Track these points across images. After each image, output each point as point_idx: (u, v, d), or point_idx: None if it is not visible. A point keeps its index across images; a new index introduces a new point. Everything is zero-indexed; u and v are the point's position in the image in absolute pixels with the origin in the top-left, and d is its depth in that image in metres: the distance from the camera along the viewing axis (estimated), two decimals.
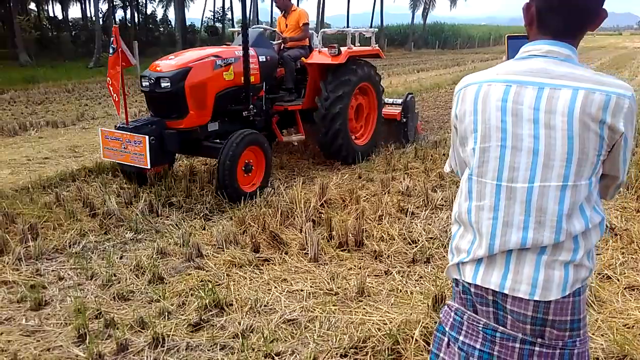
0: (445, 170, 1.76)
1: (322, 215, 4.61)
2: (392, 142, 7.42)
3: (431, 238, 4.26)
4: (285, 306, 3.23)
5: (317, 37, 6.84)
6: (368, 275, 3.62)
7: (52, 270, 3.77)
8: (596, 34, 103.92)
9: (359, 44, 7.10)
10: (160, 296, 3.35)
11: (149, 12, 45.35)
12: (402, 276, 3.64)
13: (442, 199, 5.10)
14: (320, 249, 3.96)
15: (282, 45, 6.70)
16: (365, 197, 5.16)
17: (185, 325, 3.03)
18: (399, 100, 7.79)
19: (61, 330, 3.02)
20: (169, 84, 4.98)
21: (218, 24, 49.32)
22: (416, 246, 4.08)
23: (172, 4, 36.46)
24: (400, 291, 3.43)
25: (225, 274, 3.65)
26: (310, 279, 3.59)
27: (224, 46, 6.04)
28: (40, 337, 2.96)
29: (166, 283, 3.55)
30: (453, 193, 5.06)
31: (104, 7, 40.15)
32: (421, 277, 3.63)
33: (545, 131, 1.31)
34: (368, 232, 4.29)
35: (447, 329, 1.53)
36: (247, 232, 4.28)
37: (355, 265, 3.81)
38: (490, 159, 1.37)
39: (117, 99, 5.17)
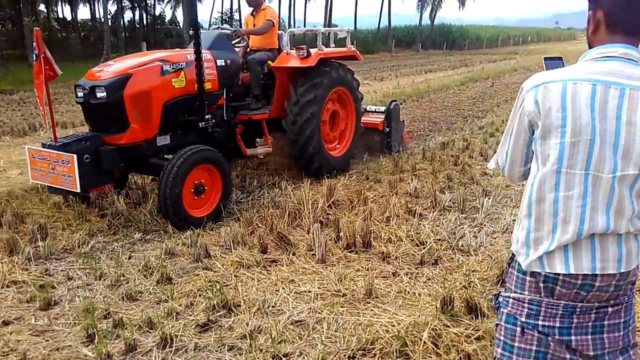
0: (489, 166, 1.90)
1: (330, 217, 4.61)
2: (374, 154, 6.96)
3: (439, 240, 4.25)
4: (293, 307, 3.23)
5: (285, 37, 6.11)
6: (376, 276, 3.62)
7: (61, 270, 3.79)
8: None
9: (333, 45, 6.60)
10: (168, 296, 3.36)
11: (157, 13, 45.58)
12: (410, 278, 3.63)
13: (450, 200, 5.08)
14: (327, 250, 3.95)
15: (248, 48, 6.15)
16: (372, 198, 5.15)
17: (193, 325, 3.04)
18: (382, 108, 7.21)
19: (70, 330, 3.04)
20: (104, 93, 4.38)
21: (226, 25, 49.43)
22: (424, 248, 4.07)
23: (181, 4, 36.63)
24: (408, 293, 3.42)
25: (233, 275, 3.65)
26: (317, 280, 3.59)
27: (176, 50, 5.51)
28: (50, 336, 2.98)
29: (174, 283, 3.56)
30: (461, 194, 5.05)
31: (112, 8, 40.42)
32: (429, 279, 3.62)
33: (627, 127, 1.46)
34: (376, 234, 4.28)
35: (522, 319, 1.65)
36: (255, 233, 4.28)
37: (363, 267, 3.80)
38: (580, 152, 1.49)
39: (43, 112, 4.49)
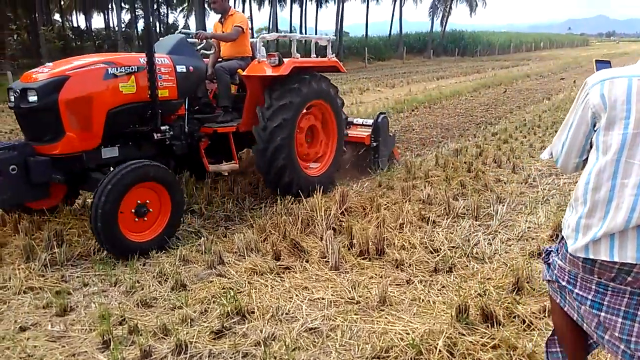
0: (542, 157, 2.11)
1: (343, 223, 4.60)
2: (358, 171, 6.41)
3: (453, 247, 4.23)
4: (306, 314, 3.23)
5: (258, 44, 5.53)
6: (389, 284, 3.60)
7: (77, 277, 3.82)
8: (620, 40, 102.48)
9: (315, 55, 6.02)
10: (182, 303, 3.37)
11: (170, 21, 46.06)
12: (424, 285, 3.61)
13: (463, 207, 5.05)
14: (341, 257, 3.95)
15: (220, 56, 5.78)
16: (385, 205, 5.14)
17: (207, 332, 3.04)
18: (370, 121, 6.71)
19: (86, 336, 3.05)
20: (36, 97, 3.96)
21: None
22: (438, 255, 4.04)
23: (193, 12, 36.97)
24: (423, 301, 3.40)
25: (246, 282, 3.66)
26: (331, 287, 3.58)
27: (131, 53, 4.99)
28: (66, 342, 3.00)
29: (189, 290, 3.57)
30: (475, 201, 5.02)
31: (126, 17, 40.90)
32: (443, 287, 3.59)
33: None
34: (389, 241, 4.27)
35: (562, 282, 1.88)
36: (268, 239, 4.29)
37: (376, 274, 3.79)
38: None
39: None
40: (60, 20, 41.96)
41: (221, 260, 3.96)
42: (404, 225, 4.58)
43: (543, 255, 2.06)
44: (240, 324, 3.14)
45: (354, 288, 3.54)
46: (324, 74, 5.89)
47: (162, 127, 4.62)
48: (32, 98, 4.00)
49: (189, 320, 3.17)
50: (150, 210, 4.14)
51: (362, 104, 13.86)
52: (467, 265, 3.90)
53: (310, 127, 5.75)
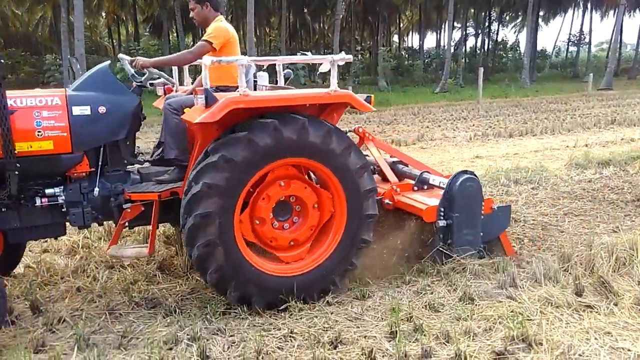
0: None
1: None
2: (410, 261, 4.21)
3: None
4: None
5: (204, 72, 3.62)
6: None
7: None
8: None
9: (339, 88, 3.72)
10: (468, 316, 3.39)
11: (499, 38, 45.84)
12: None
13: None
14: None
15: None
16: None
17: (489, 350, 3.00)
18: (446, 181, 4.20)
19: (377, 323, 3.38)
20: None
21: (573, 48, 45.97)
22: None
23: (525, 28, 35.90)
24: None
25: (538, 310, 3.43)
26: None
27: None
28: (360, 324, 3.38)
29: (476, 305, 3.57)
30: None
31: (457, 34, 42.53)
32: None
33: None
34: None
35: None
36: (571, 271, 3.91)
37: None
38: None
39: None
40: (397, 41, 46.51)
41: (514, 282, 3.80)
42: None
43: None
44: (524, 351, 2.99)
45: None
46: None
47: (49, 191, 3.61)
48: None
49: (472, 334, 3.17)
50: None
51: None
52: None
53: (292, 197, 3.76)
